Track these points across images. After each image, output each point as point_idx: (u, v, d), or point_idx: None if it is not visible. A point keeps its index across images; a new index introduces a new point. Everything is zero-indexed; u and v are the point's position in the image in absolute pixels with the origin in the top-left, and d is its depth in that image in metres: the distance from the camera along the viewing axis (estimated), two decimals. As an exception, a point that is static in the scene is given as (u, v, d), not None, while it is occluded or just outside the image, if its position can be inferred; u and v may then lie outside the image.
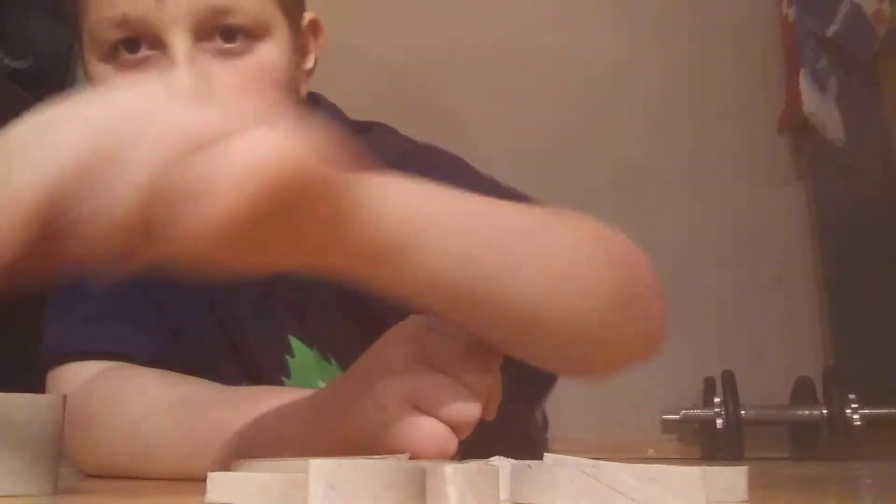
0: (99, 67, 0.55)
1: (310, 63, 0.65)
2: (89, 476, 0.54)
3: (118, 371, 0.55)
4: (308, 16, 0.64)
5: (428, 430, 0.38)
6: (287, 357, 0.62)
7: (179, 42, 0.51)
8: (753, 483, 0.33)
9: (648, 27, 1.64)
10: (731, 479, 0.32)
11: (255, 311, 0.63)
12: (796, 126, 1.49)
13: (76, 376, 0.56)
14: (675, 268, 1.50)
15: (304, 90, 0.63)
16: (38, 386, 0.59)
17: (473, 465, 0.27)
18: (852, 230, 1.40)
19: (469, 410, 0.39)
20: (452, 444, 0.39)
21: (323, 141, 0.29)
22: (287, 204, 0.27)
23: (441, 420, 0.38)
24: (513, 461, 0.32)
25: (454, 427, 0.39)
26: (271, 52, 0.56)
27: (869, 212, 1.35)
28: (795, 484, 0.55)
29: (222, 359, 0.63)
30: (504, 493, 0.30)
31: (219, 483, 0.30)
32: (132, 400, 0.52)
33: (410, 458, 0.39)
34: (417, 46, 1.55)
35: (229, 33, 0.54)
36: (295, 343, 0.62)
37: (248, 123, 0.27)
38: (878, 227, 1.31)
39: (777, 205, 1.55)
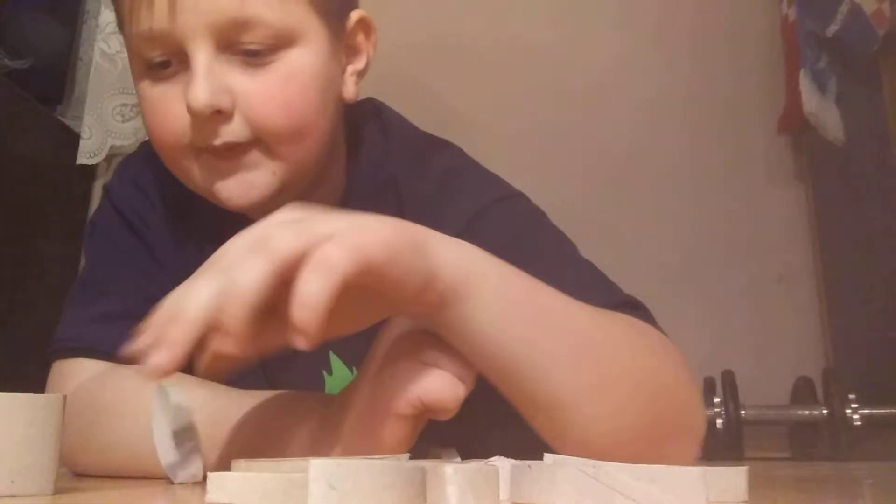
0: (139, 84, 0.56)
1: (360, 63, 0.63)
2: (84, 476, 0.54)
3: (133, 370, 0.55)
4: (356, 14, 0.62)
5: (438, 375, 0.41)
6: (324, 373, 0.62)
7: (199, 53, 0.52)
8: (753, 483, 0.33)
9: (648, 27, 1.64)
10: (731, 479, 0.32)
11: None
12: (796, 126, 1.49)
13: (82, 372, 0.56)
14: (675, 267, 1.50)
15: (353, 92, 0.62)
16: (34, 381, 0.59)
17: (473, 465, 0.27)
18: (852, 230, 1.40)
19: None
20: (461, 389, 0.41)
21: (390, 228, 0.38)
22: (375, 272, 0.36)
23: (444, 369, 0.41)
24: (513, 461, 0.32)
25: (457, 374, 0.41)
26: (300, 59, 0.55)
27: (869, 212, 1.35)
28: (795, 484, 0.55)
29: (250, 371, 0.63)
30: (504, 493, 0.30)
31: (219, 483, 0.30)
32: (148, 395, 0.52)
33: (424, 448, 0.41)
34: (415, 42, 1.55)
35: (251, 50, 0.54)
36: (335, 361, 0.62)
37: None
38: (878, 227, 1.30)
39: (777, 205, 1.55)
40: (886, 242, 1.27)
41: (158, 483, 0.46)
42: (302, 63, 0.55)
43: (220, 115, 0.52)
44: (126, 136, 1.71)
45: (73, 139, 1.67)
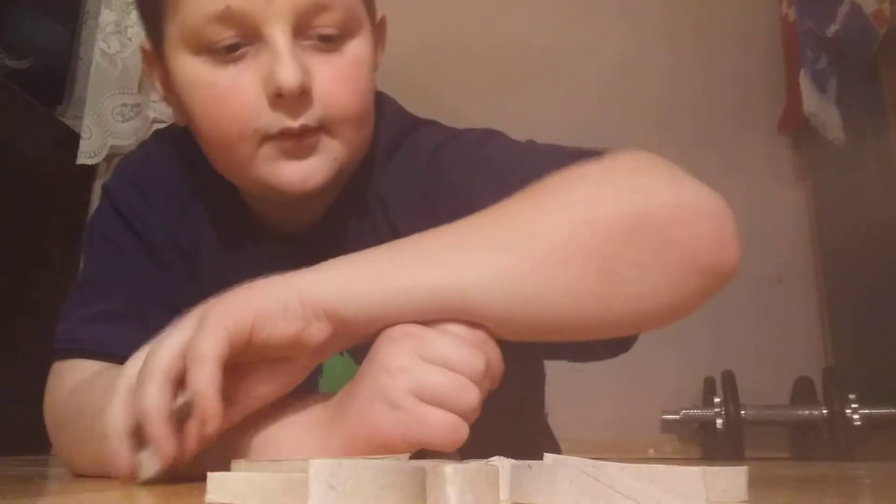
0: (194, 63, 0.54)
1: (379, 59, 0.65)
2: (79, 476, 0.54)
3: (120, 369, 0.55)
4: (379, 13, 0.64)
5: (440, 420, 0.40)
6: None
7: (282, 36, 0.51)
8: (753, 483, 0.33)
9: (649, 27, 1.64)
10: (731, 479, 0.32)
11: None
12: (796, 126, 1.49)
13: (79, 372, 0.56)
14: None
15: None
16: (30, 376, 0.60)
17: (473, 465, 0.27)
18: (852, 230, 1.40)
19: (469, 395, 0.41)
20: (463, 430, 0.41)
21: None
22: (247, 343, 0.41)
23: (446, 409, 0.40)
24: (513, 461, 0.32)
25: (461, 414, 0.41)
26: (362, 47, 0.56)
27: (869, 212, 1.35)
28: (795, 484, 0.54)
29: None
30: (504, 493, 0.30)
31: (219, 483, 0.30)
32: None
33: (425, 450, 0.40)
34: (423, 44, 1.55)
35: (326, 34, 0.54)
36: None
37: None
38: (878, 227, 1.30)
39: (777, 205, 1.55)
40: (886, 242, 1.27)
41: (158, 483, 0.46)
42: (363, 51, 0.56)
43: (305, 97, 0.52)
44: (126, 136, 1.71)
45: (73, 139, 1.68)
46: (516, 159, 0.55)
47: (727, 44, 1.62)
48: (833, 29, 1.32)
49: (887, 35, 1.23)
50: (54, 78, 1.75)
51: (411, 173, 0.60)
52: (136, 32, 1.71)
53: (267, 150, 0.54)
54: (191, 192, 0.64)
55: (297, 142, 0.54)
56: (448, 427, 0.40)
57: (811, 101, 1.35)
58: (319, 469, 0.26)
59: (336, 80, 0.54)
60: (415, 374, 0.41)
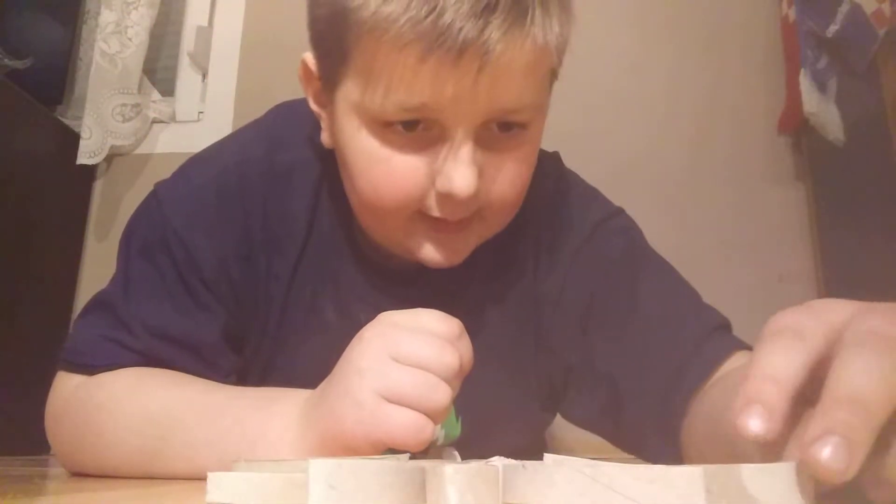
0: (368, 141, 0.52)
1: None
2: (76, 475, 0.54)
3: (128, 371, 0.55)
4: None
5: (402, 419, 0.40)
6: None
7: (466, 140, 0.50)
8: (753, 483, 0.33)
9: (648, 27, 1.64)
10: (731, 479, 0.32)
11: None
12: (796, 126, 1.49)
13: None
14: (675, 267, 1.50)
15: None
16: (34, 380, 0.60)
17: (473, 465, 0.27)
18: (852, 230, 1.40)
19: (437, 395, 0.41)
20: (428, 429, 0.41)
21: None
22: None
23: (413, 409, 0.41)
24: (512, 461, 0.32)
25: (428, 413, 0.41)
26: (537, 135, 0.55)
27: (869, 212, 1.35)
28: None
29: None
30: (503, 494, 0.30)
31: (219, 483, 0.30)
32: (149, 392, 0.52)
33: (396, 449, 0.41)
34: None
35: (506, 126, 0.52)
36: None
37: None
38: (878, 227, 1.30)
39: (777, 205, 1.55)
40: (886, 242, 1.27)
41: (156, 483, 0.46)
42: (537, 139, 0.56)
43: (472, 198, 0.51)
44: (126, 136, 1.71)
45: (73, 139, 1.68)
46: (671, 278, 0.66)
47: (727, 44, 1.62)
48: (833, 29, 1.32)
49: (887, 35, 1.23)
50: (54, 78, 1.75)
51: (567, 228, 0.64)
52: (135, 32, 1.71)
53: (417, 225, 0.54)
54: (306, 215, 0.61)
55: (449, 229, 0.53)
56: (411, 427, 0.40)
57: (811, 101, 1.35)
58: (319, 469, 0.26)
59: (506, 179, 0.53)
60: (382, 375, 0.41)
